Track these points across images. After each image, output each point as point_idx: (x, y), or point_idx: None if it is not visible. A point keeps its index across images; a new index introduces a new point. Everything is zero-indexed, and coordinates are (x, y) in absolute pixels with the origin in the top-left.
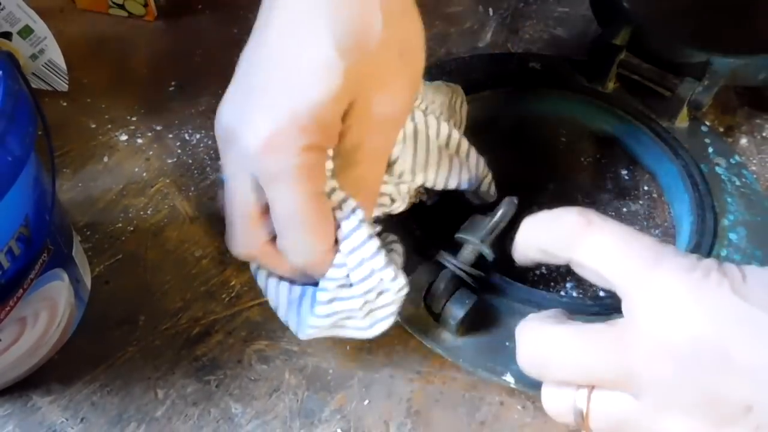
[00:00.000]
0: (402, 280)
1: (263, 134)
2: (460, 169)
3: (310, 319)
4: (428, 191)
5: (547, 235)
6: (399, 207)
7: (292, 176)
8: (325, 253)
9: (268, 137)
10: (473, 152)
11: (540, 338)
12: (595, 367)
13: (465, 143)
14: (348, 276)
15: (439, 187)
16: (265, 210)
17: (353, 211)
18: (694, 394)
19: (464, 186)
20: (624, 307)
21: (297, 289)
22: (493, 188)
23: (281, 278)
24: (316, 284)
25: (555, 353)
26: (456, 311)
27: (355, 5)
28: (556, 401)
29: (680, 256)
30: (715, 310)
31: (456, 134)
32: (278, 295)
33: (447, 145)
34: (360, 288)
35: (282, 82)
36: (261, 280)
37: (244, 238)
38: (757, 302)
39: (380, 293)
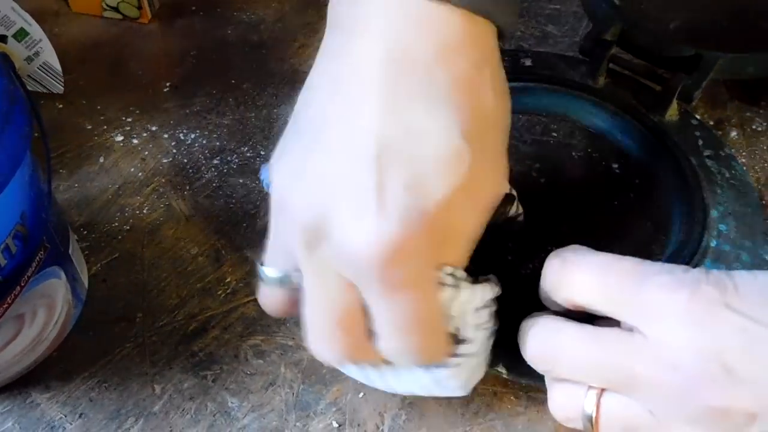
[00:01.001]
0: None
1: (385, 239)
2: None
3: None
4: None
5: (541, 287)
6: None
7: (426, 286)
8: (442, 354)
9: (396, 243)
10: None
11: (552, 332)
12: (607, 367)
13: None
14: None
15: None
16: (360, 308)
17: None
18: (700, 406)
19: None
20: (623, 327)
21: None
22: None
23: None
24: None
25: (567, 348)
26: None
27: (475, 84)
28: (564, 404)
29: (664, 274)
30: (710, 327)
31: None
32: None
33: None
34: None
35: (406, 169)
36: (354, 372)
37: (341, 344)
38: (750, 314)
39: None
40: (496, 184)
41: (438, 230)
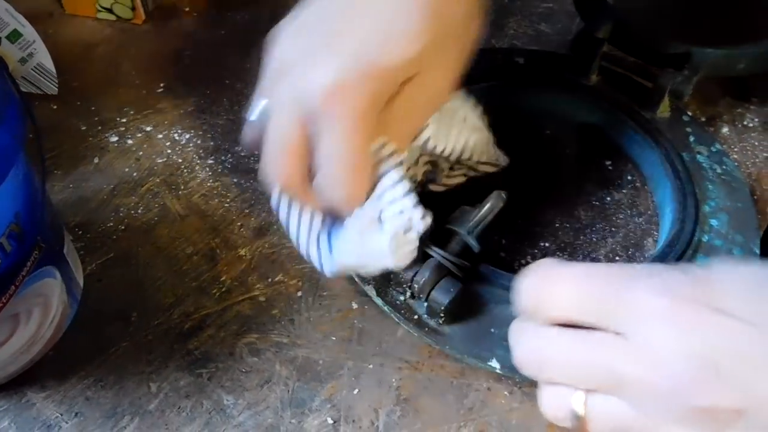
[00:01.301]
0: (428, 219)
1: (333, 77)
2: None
3: (338, 254)
4: (436, 176)
5: (518, 309)
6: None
7: (352, 122)
8: (362, 194)
9: (339, 81)
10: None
11: (539, 338)
12: (594, 370)
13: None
14: (379, 214)
15: (456, 153)
16: (306, 144)
17: (390, 155)
18: (686, 406)
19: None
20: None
21: (320, 224)
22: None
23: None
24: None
25: (554, 353)
26: (441, 298)
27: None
28: (553, 404)
29: (644, 278)
30: (694, 328)
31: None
32: (299, 228)
33: (464, 120)
34: (390, 225)
35: (364, 34)
36: (283, 212)
37: (282, 168)
38: (733, 311)
39: (408, 230)
40: (443, 81)
41: (379, 89)
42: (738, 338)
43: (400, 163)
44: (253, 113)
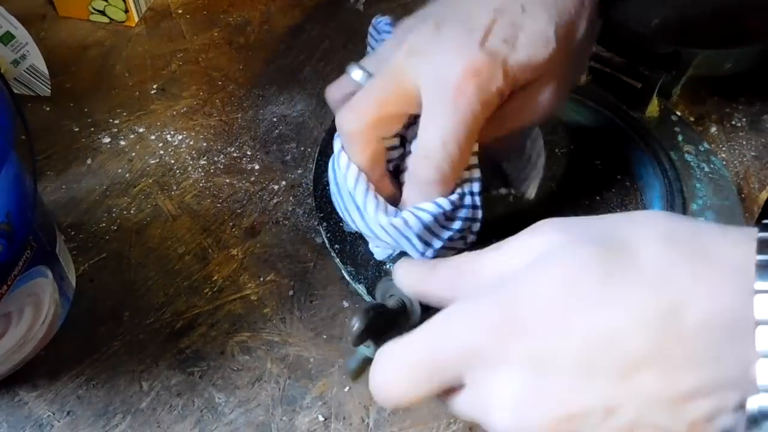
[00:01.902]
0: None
1: (474, 61)
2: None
3: (385, 220)
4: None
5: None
6: None
7: (475, 107)
8: (449, 180)
9: (478, 66)
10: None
11: (376, 369)
12: (424, 375)
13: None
14: (443, 212)
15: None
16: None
17: (474, 165)
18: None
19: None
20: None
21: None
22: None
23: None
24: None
25: (391, 378)
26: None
27: (571, 6)
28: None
29: (447, 322)
30: (515, 363)
31: None
32: (356, 183)
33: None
34: (456, 225)
35: (500, 30)
36: (343, 161)
37: (369, 119)
38: (535, 330)
39: (462, 237)
40: (556, 94)
41: (504, 86)
42: (547, 355)
43: (480, 178)
44: (354, 73)
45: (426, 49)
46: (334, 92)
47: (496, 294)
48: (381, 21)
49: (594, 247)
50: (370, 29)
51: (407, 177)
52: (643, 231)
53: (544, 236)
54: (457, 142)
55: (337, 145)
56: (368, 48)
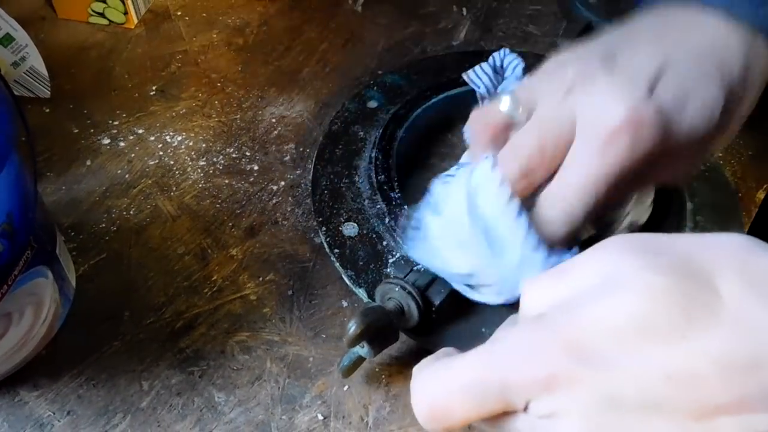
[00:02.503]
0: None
1: (639, 112)
2: None
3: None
4: None
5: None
6: None
7: (624, 162)
8: (571, 226)
9: (640, 120)
10: None
11: (429, 386)
12: (484, 395)
13: None
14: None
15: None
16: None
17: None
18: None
19: None
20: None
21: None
22: None
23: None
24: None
25: (449, 397)
26: (433, 298)
27: (740, 86)
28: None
29: (510, 353)
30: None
31: None
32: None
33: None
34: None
35: (672, 87)
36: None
37: (531, 164)
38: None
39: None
40: (696, 165)
41: (663, 142)
42: (617, 386)
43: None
44: (504, 104)
45: (589, 86)
46: (478, 121)
47: (571, 314)
48: (506, 54)
49: (671, 278)
50: (490, 60)
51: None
52: (722, 263)
53: (614, 256)
54: (595, 191)
55: (476, 176)
56: (474, 76)
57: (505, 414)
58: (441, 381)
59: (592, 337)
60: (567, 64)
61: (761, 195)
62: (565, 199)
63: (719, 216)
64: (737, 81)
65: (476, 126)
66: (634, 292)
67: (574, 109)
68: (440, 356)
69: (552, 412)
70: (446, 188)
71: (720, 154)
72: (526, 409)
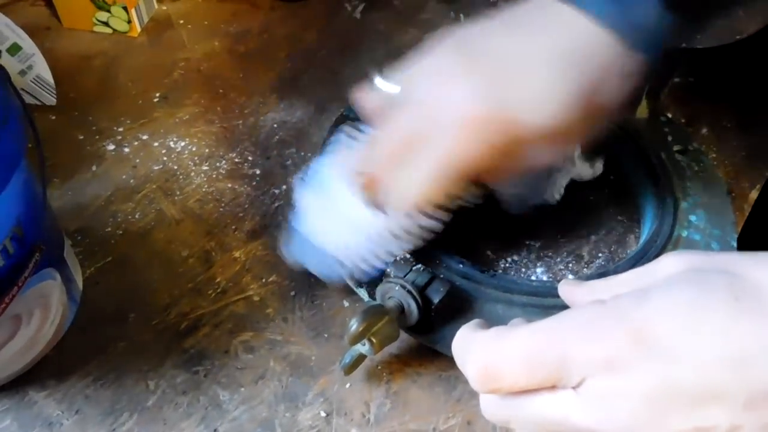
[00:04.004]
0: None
1: (558, 118)
2: None
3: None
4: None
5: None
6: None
7: (467, 152)
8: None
9: (561, 124)
10: None
11: (489, 349)
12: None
13: None
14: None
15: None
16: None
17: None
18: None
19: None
20: None
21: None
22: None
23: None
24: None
25: (506, 361)
26: (432, 297)
27: (592, 62)
28: (500, 412)
29: (577, 329)
30: (636, 374)
31: None
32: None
33: None
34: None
35: (518, 85)
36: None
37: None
38: (667, 349)
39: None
40: (552, 156)
41: (505, 140)
42: (670, 383)
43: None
44: (385, 86)
45: (443, 79)
46: (362, 99)
47: (635, 302)
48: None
49: (722, 275)
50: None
51: None
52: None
53: (672, 260)
54: (439, 181)
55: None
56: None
57: (545, 389)
58: (500, 345)
59: (656, 324)
60: (438, 56)
61: (754, 195)
62: (417, 183)
63: (712, 214)
64: (588, 76)
65: (359, 103)
66: (690, 284)
67: (433, 109)
68: (477, 326)
69: (608, 393)
70: (326, 171)
71: (714, 155)
72: (577, 387)
